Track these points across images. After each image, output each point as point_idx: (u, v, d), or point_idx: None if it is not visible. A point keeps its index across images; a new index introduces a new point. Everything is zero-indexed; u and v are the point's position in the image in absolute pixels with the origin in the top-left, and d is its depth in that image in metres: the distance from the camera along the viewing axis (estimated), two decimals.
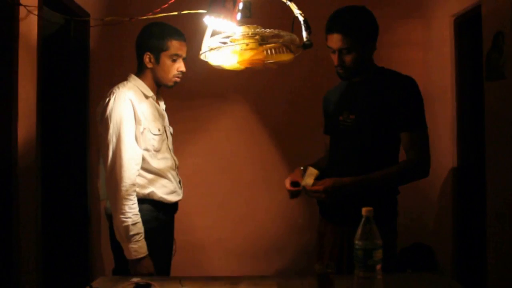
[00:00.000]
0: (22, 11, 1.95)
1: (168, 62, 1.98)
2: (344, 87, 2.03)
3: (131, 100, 1.89)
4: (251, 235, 3.32)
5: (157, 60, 1.98)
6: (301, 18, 1.68)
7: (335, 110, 1.99)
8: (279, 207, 3.28)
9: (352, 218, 1.75)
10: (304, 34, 1.67)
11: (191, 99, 3.26)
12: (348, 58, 1.85)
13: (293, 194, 1.92)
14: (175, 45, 1.98)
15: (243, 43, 1.62)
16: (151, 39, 1.97)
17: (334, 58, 1.88)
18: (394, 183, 1.87)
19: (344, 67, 1.87)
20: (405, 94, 1.83)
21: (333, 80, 2.04)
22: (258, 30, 1.62)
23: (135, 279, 1.64)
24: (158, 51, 1.97)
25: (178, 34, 2.00)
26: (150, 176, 1.94)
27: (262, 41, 1.65)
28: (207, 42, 1.70)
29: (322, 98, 2.15)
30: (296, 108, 3.30)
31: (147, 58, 1.98)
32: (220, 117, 3.34)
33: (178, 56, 1.99)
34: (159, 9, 2.00)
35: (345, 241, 1.86)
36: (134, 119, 1.88)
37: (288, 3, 1.69)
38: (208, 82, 3.11)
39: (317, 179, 1.81)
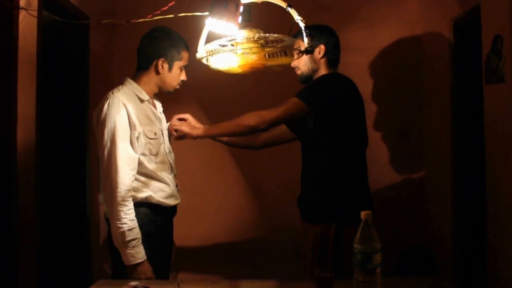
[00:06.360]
0: (22, 14, 1.95)
1: (177, 71, 2.02)
2: None
3: (125, 105, 1.88)
4: (250, 239, 3.31)
5: (170, 68, 2.00)
6: (302, 24, 1.69)
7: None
8: (278, 211, 3.26)
9: (328, 216, 2.02)
10: (306, 40, 1.68)
11: (188, 102, 3.25)
12: (300, 61, 2.16)
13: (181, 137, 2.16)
14: (185, 57, 2.03)
15: (247, 47, 1.62)
16: (169, 46, 1.98)
17: None
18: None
19: (297, 68, 2.20)
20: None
21: None
22: (261, 34, 1.63)
23: (133, 283, 1.64)
24: (172, 60, 1.99)
25: (187, 45, 2.04)
26: (147, 180, 1.93)
27: (265, 45, 1.66)
28: (207, 45, 1.70)
29: None
30: None
31: (160, 64, 1.97)
32: (217, 121, 3.33)
33: (186, 66, 2.05)
34: (159, 11, 1.98)
35: (324, 239, 2.01)
36: (128, 124, 1.87)
37: (289, 9, 1.70)
38: (207, 86, 3.10)
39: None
